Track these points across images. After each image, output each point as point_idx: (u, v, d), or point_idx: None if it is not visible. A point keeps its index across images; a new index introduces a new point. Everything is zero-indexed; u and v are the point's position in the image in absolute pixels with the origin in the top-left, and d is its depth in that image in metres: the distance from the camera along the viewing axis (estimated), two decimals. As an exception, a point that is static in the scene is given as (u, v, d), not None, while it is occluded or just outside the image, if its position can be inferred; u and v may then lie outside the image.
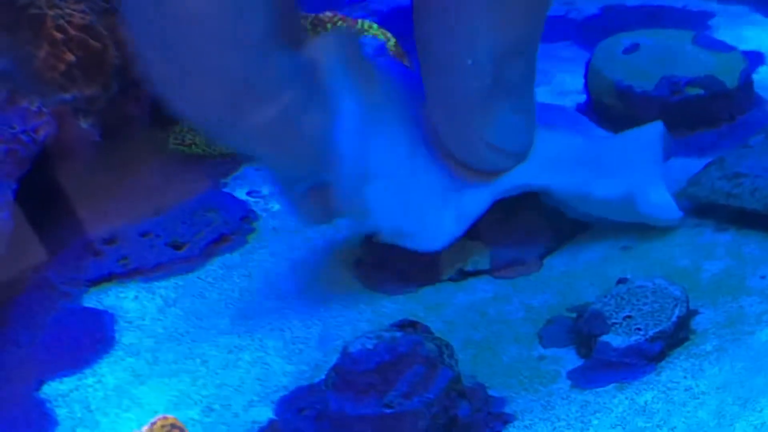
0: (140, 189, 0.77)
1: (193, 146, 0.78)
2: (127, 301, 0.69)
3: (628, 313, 0.60)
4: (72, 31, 0.74)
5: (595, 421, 0.56)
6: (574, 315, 0.63)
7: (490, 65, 0.61)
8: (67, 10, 0.74)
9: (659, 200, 0.67)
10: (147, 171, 0.78)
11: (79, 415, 0.61)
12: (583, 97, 0.81)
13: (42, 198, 0.74)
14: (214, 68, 0.56)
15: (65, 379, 0.64)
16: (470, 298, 0.66)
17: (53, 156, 0.74)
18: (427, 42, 0.63)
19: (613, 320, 0.60)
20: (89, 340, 0.66)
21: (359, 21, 0.83)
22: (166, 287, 0.69)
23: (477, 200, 0.66)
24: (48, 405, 0.62)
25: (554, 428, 0.56)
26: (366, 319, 0.65)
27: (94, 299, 0.69)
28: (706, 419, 0.55)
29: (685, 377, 0.58)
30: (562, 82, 0.84)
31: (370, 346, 0.55)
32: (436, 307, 0.65)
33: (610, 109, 0.77)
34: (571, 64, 0.85)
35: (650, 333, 0.59)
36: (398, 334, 0.56)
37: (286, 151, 0.61)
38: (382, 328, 0.58)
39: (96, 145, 0.76)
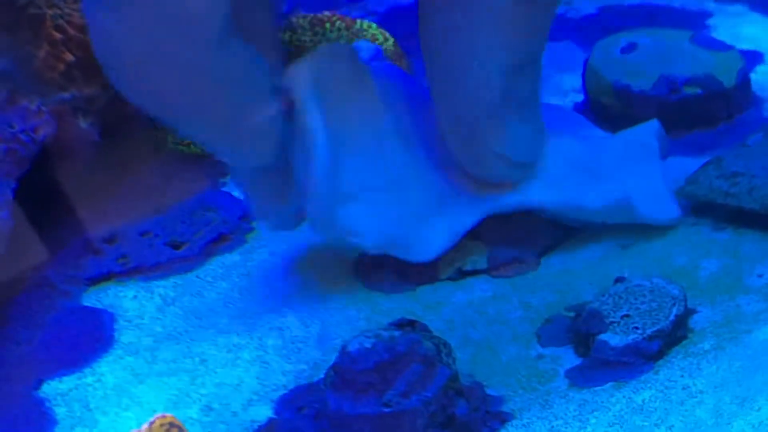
0: (139, 188, 0.77)
1: (192, 146, 0.78)
2: (126, 300, 0.69)
3: (626, 312, 0.60)
4: (71, 31, 0.74)
5: (593, 420, 0.56)
6: (572, 314, 0.63)
7: (501, 78, 0.62)
8: (67, 10, 0.74)
9: (657, 200, 0.67)
10: (146, 170, 0.78)
11: (78, 414, 0.61)
12: (580, 97, 0.81)
13: (41, 197, 0.74)
14: (171, 61, 0.56)
15: (64, 378, 0.64)
16: (468, 297, 0.66)
17: (53, 155, 0.74)
18: (435, 56, 0.63)
19: (611, 319, 0.60)
20: (88, 339, 0.66)
21: (358, 21, 0.83)
22: (165, 286, 0.69)
23: (469, 213, 0.66)
24: (47, 404, 0.62)
25: (552, 427, 0.57)
26: (364, 318, 0.65)
27: (93, 298, 0.69)
28: (704, 418, 0.55)
29: (682, 376, 0.58)
30: (560, 82, 0.84)
31: (368, 345, 0.55)
32: (435, 306, 0.65)
33: (607, 108, 0.77)
34: (569, 63, 0.85)
35: (648, 332, 0.59)
36: (397, 333, 0.56)
37: (242, 143, 0.61)
38: (380, 327, 0.58)
39: (95, 145, 0.76)
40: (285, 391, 0.61)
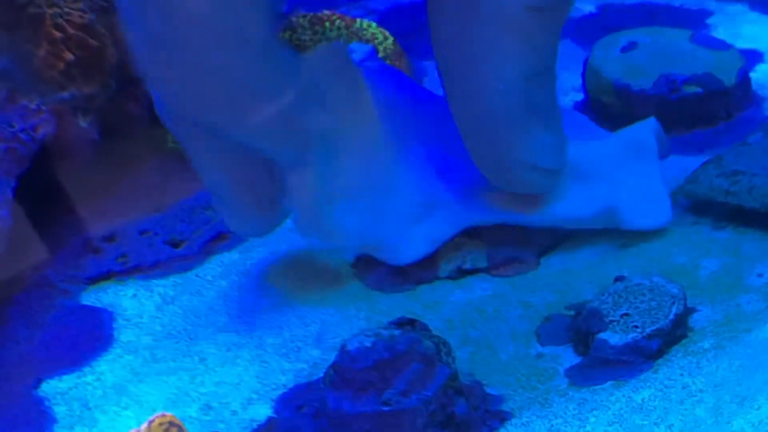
0: (139, 187, 0.77)
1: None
2: (125, 299, 0.69)
3: (625, 311, 0.60)
4: (71, 30, 0.74)
5: (593, 419, 0.56)
6: (572, 313, 0.63)
7: (520, 87, 0.61)
8: (66, 9, 0.74)
9: (648, 203, 0.67)
10: (146, 169, 0.78)
11: (77, 412, 0.61)
12: (580, 96, 0.81)
13: (41, 196, 0.74)
14: (217, 68, 0.56)
15: (64, 377, 0.64)
16: (468, 296, 0.66)
17: (52, 154, 0.74)
18: (452, 68, 0.63)
19: (611, 318, 0.60)
20: (88, 338, 0.66)
21: (357, 20, 0.83)
22: (164, 285, 0.69)
23: (451, 223, 0.66)
24: (47, 403, 0.62)
25: (551, 426, 0.57)
26: (364, 317, 0.65)
27: (92, 297, 0.69)
28: (704, 417, 0.55)
29: (682, 375, 0.58)
30: (560, 81, 0.83)
31: (368, 344, 0.55)
32: (434, 305, 0.65)
33: (608, 107, 0.77)
34: (569, 62, 0.85)
35: (648, 331, 0.59)
36: (396, 332, 0.56)
37: (286, 146, 0.61)
38: (380, 326, 0.58)
39: (95, 144, 0.76)
40: (284, 390, 0.61)
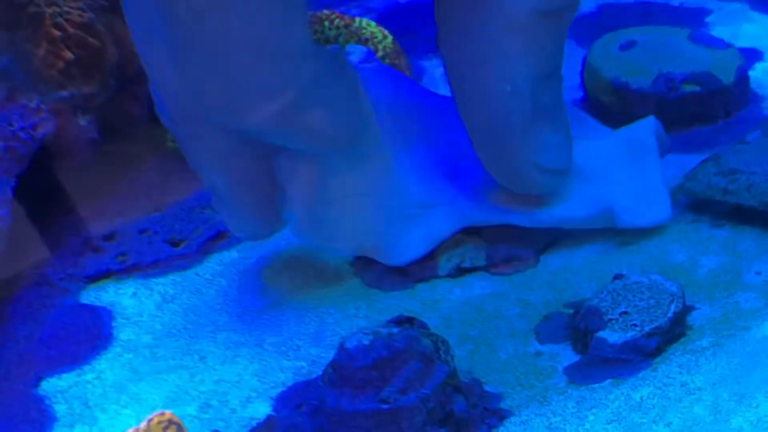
0: (138, 186, 0.77)
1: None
2: (125, 298, 0.69)
3: (624, 309, 0.60)
4: (70, 29, 0.74)
5: (591, 417, 0.56)
6: (570, 311, 0.63)
7: (528, 89, 0.62)
8: (66, 8, 0.74)
9: (647, 202, 0.67)
10: (145, 168, 0.78)
11: (77, 411, 0.61)
12: (579, 94, 0.81)
13: (41, 195, 0.75)
14: (262, 81, 0.56)
15: (64, 376, 0.64)
16: (467, 294, 0.66)
17: (52, 153, 0.75)
18: (460, 70, 0.63)
19: (610, 316, 0.60)
20: (87, 336, 0.66)
21: (357, 19, 0.83)
22: (164, 284, 0.69)
23: (449, 223, 0.66)
24: (47, 401, 0.62)
25: (550, 424, 0.57)
26: (363, 315, 0.65)
27: (92, 296, 0.69)
28: (702, 415, 0.55)
29: (681, 373, 0.58)
30: (560, 80, 0.84)
31: (367, 342, 0.55)
32: (433, 303, 0.65)
33: (606, 106, 0.77)
34: (568, 61, 0.84)
35: (646, 329, 0.59)
36: (395, 330, 0.56)
37: (332, 142, 0.61)
38: (379, 324, 0.58)
39: (94, 143, 0.76)
40: (283, 388, 0.61)
